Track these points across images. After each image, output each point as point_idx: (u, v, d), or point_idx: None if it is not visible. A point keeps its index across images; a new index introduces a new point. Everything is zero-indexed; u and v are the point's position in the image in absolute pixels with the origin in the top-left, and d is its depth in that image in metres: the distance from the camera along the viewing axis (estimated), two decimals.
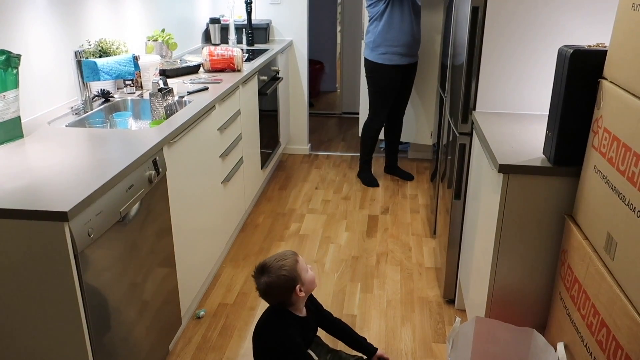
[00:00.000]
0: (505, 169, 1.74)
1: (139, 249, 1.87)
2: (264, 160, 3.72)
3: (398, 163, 4.24)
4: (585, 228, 1.58)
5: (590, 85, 1.58)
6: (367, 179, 4.04)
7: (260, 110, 3.50)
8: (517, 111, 2.28)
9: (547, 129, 1.74)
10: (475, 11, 2.21)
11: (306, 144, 4.67)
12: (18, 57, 1.93)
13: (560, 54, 1.63)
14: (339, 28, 6.06)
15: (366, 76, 3.85)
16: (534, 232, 1.80)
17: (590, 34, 2.06)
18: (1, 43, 2.04)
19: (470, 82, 2.30)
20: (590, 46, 1.60)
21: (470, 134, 2.35)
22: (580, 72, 1.58)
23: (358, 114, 4.46)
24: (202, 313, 2.54)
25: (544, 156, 1.77)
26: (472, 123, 2.30)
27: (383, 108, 3.84)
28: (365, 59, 3.79)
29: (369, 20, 3.70)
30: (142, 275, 1.91)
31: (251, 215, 3.54)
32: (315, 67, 6.25)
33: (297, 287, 1.85)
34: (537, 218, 1.78)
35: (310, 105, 4.92)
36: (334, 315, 2.14)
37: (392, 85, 3.75)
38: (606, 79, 1.51)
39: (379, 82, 3.76)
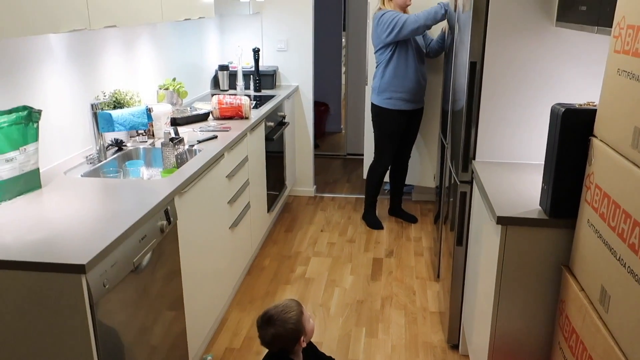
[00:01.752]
0: (503, 221, 1.81)
1: (149, 294, 1.93)
2: (270, 203, 3.80)
3: (402, 205, 4.31)
4: (581, 279, 1.64)
5: (582, 142, 1.66)
6: (372, 222, 4.11)
7: (267, 152, 3.60)
8: (516, 160, 2.36)
9: (542, 182, 1.81)
10: (473, 66, 2.32)
11: (312, 186, 4.76)
12: (39, 112, 2.04)
13: (553, 112, 1.72)
14: (344, 70, 6.23)
15: (372, 120, 3.96)
16: (533, 282, 1.85)
17: (583, 88, 2.16)
18: (23, 98, 2.15)
19: (469, 132, 2.39)
20: (580, 105, 1.69)
21: (471, 182, 2.42)
22: (572, 130, 1.66)
23: (363, 155, 4.55)
24: (209, 358, 2.57)
25: (540, 208, 1.84)
26: (472, 172, 2.37)
27: (388, 151, 3.93)
28: (372, 104, 3.91)
29: (376, 66, 3.83)
30: (151, 319, 1.96)
31: (257, 258, 3.60)
32: (321, 109, 6.40)
33: (302, 338, 1.90)
34: (536, 268, 1.84)
35: (316, 146, 5.02)
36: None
37: (397, 129, 3.85)
38: (596, 137, 1.60)
39: (385, 126, 3.87)
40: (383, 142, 3.92)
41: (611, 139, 1.49)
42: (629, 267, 1.32)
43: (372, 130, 3.99)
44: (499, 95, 2.30)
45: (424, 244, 3.85)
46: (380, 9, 3.71)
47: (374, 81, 3.87)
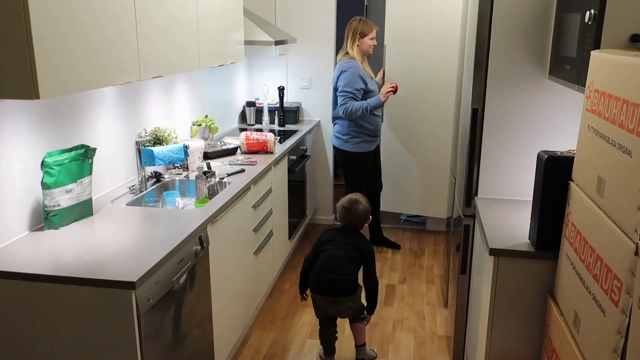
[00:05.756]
0: (496, 252, 2.05)
1: (182, 311, 2.21)
2: (292, 230, 4.07)
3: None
4: (561, 305, 1.86)
5: (562, 185, 1.90)
6: None
7: (289, 182, 3.88)
8: (514, 197, 2.60)
9: (531, 219, 2.06)
10: (475, 111, 2.59)
11: (331, 215, 5.02)
12: (94, 150, 2.37)
13: (538, 157, 1.97)
14: None
15: (341, 165, 4.13)
16: (523, 308, 2.08)
17: (571, 135, 2.39)
18: (80, 137, 2.48)
19: (472, 171, 2.64)
20: (562, 153, 1.94)
21: (474, 217, 2.67)
22: (554, 174, 1.91)
23: None
24: None
25: (529, 241, 2.08)
26: (475, 207, 2.62)
27: (361, 191, 3.97)
28: (339, 149, 4.05)
29: (338, 107, 3.94)
30: (183, 333, 2.23)
31: (278, 282, 3.86)
32: None
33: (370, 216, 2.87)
34: (525, 295, 2.07)
35: (337, 175, 5.29)
36: None
37: (368, 169, 4.12)
38: (573, 182, 1.84)
39: (359, 169, 4.07)
40: (355, 184, 4.06)
41: (583, 184, 1.74)
42: (593, 294, 1.55)
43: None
44: (498, 138, 2.56)
45: (436, 272, 4.07)
46: (347, 53, 3.91)
47: (338, 126, 4.03)
